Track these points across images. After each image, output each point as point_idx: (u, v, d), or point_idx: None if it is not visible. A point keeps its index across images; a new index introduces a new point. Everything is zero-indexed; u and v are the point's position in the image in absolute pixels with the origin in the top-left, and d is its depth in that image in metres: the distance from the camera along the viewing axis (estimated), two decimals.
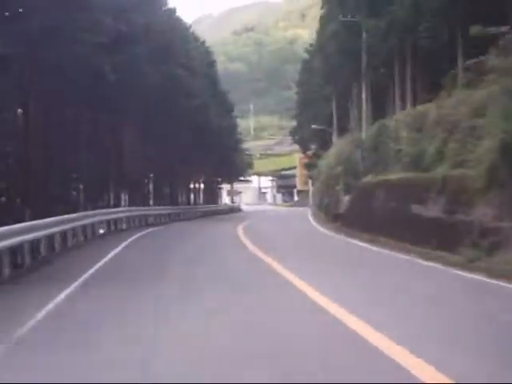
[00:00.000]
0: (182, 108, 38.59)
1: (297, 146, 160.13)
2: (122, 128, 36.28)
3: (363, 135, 46.28)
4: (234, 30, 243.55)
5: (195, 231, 29.14)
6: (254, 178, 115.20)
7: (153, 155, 41.87)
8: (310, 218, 45.72)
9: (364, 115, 46.31)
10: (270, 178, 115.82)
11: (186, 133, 47.37)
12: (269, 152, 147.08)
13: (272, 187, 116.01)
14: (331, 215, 38.92)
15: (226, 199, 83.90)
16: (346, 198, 37.75)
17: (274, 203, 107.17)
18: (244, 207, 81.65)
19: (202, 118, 44.29)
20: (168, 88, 35.14)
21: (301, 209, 71.06)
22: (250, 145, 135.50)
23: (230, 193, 76.88)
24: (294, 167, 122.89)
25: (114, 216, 27.39)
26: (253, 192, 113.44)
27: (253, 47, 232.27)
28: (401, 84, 43.07)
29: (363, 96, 45.34)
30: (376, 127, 30.28)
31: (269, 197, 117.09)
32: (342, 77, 65.10)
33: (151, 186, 46.91)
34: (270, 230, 30.42)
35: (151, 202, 45.57)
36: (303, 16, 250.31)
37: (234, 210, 68.48)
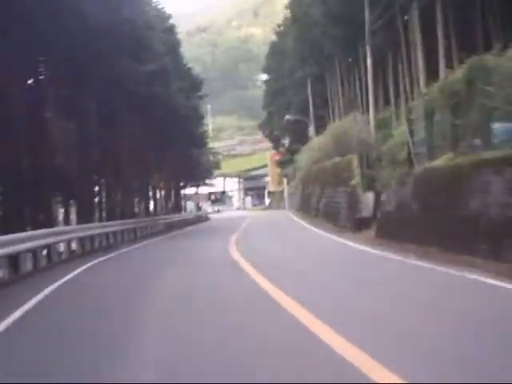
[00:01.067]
0: (131, 72, 25.73)
1: (260, 145, 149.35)
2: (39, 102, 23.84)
3: (371, 114, 34.99)
4: (186, 31, 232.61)
5: (164, 268, 14.45)
6: (218, 181, 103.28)
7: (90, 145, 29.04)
8: (306, 225, 34.00)
9: (370, 87, 35.07)
10: (236, 179, 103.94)
11: (137, 116, 35.12)
12: (232, 152, 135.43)
13: (239, 190, 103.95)
14: (349, 221, 27.13)
15: (190, 206, 71.95)
16: (371, 197, 26.08)
17: (243, 207, 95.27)
18: (211, 215, 69.69)
19: (161, 93, 31.86)
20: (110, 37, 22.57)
21: (279, 212, 59.32)
22: (211, 146, 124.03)
23: (196, 198, 64.94)
24: (262, 167, 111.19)
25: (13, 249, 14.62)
26: (216, 196, 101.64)
27: (207, 48, 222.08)
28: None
29: (368, 63, 34.02)
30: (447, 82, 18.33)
31: (235, 200, 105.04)
32: (324, 51, 54.15)
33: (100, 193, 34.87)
34: (276, 253, 18.18)
35: (103, 215, 33.19)
36: (255, 14, 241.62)
37: (201, 219, 56.37)
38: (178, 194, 57.19)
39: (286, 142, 75.95)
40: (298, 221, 39.57)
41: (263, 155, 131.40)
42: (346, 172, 31.20)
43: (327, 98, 63.67)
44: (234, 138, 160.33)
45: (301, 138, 71.14)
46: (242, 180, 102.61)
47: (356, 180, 28.46)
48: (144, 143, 39.58)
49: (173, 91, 34.85)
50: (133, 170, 38.61)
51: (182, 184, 59.79)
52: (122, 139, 35.64)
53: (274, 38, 77.21)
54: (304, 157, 59.44)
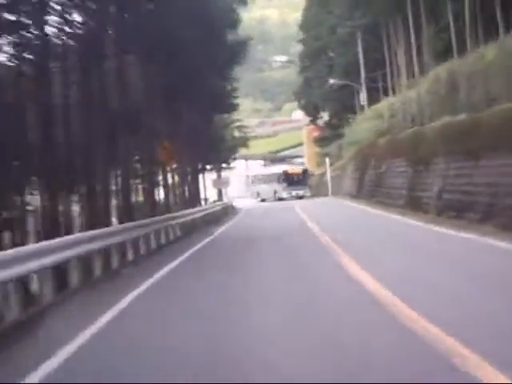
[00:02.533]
0: None
1: (282, 126, 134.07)
2: None
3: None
4: None
5: None
6: (240, 163, 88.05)
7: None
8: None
9: None
10: (261, 162, 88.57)
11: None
12: (251, 134, 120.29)
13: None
14: None
15: (209, 193, 57.19)
16: None
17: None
18: (236, 203, 54.76)
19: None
20: None
21: (331, 201, 44.44)
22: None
23: (217, 184, 50.09)
24: (289, 147, 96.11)
25: None
26: (240, 181, 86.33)
27: None
28: None
29: None
30: None
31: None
32: None
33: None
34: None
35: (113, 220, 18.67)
36: None
37: (228, 211, 41.51)
38: (195, 180, 42.48)
39: (326, 115, 60.80)
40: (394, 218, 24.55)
41: (288, 135, 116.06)
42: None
43: (383, 57, 48.31)
44: (252, 120, 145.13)
45: (346, 109, 55.89)
46: (268, 163, 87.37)
47: None
48: (147, 103, 24.66)
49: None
50: (132, 145, 23.90)
51: (201, 166, 44.89)
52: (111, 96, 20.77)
53: None
54: (360, 129, 44.35)
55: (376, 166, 36.90)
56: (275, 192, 56.09)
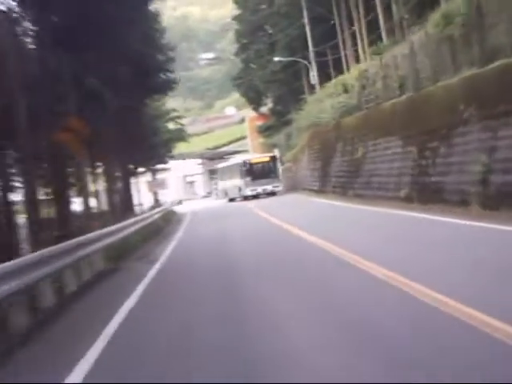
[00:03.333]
0: None
1: (216, 123, 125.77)
2: None
3: None
4: None
5: None
6: (176, 164, 79.51)
7: None
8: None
9: None
10: (198, 160, 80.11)
11: None
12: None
13: (204, 173, 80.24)
14: None
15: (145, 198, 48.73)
16: None
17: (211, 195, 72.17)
18: (177, 208, 46.57)
19: None
20: None
21: (293, 197, 36.61)
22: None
23: (153, 186, 41.62)
24: (228, 143, 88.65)
25: None
26: (176, 183, 77.75)
27: None
28: None
29: None
30: None
31: (198, 187, 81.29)
32: None
33: None
34: None
35: None
36: None
37: (169, 217, 33.24)
38: (126, 183, 34.05)
39: (269, 101, 53.25)
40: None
41: (224, 131, 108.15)
42: None
43: (332, 28, 41.19)
44: (183, 118, 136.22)
45: (292, 92, 48.50)
46: (206, 161, 79.05)
47: None
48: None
49: None
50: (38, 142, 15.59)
51: (132, 167, 36.45)
52: None
53: None
54: (315, 110, 36.98)
55: (347, 152, 29.59)
56: (239, 189, 43.63)
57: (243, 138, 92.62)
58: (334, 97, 33.77)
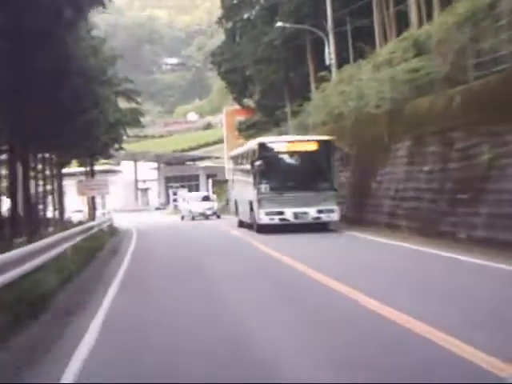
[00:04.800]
0: None
1: (176, 127, 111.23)
2: None
3: None
4: None
5: None
6: (126, 166, 64.69)
7: None
8: None
9: None
10: (154, 164, 65.06)
11: None
12: (140, 134, 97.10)
13: (159, 180, 64.84)
14: None
15: (71, 207, 33.65)
16: None
17: (164, 206, 57.00)
18: (117, 222, 31.44)
19: None
20: None
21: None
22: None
23: (85, 189, 27.09)
24: (194, 148, 74.65)
25: None
26: (125, 189, 62.84)
27: (106, 28, 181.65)
28: None
29: None
30: None
31: (152, 196, 65.81)
32: None
33: None
34: None
35: None
36: None
37: (104, 242, 18.78)
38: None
39: (257, 91, 39.37)
40: None
41: (186, 136, 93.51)
42: None
43: None
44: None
45: (293, 80, 34.83)
46: (164, 166, 64.10)
47: None
48: None
49: None
50: None
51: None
52: None
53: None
54: (336, 99, 23.40)
55: (431, 156, 15.87)
56: (250, 206, 20.32)
57: (209, 144, 78.57)
58: (381, 70, 20.24)
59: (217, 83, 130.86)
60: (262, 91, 38.15)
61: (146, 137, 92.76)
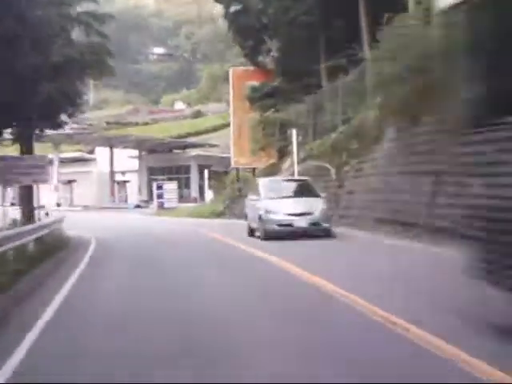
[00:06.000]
0: None
1: (162, 115, 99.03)
2: None
3: None
4: None
5: None
6: (102, 153, 52.68)
7: None
8: None
9: None
10: (135, 152, 52.71)
11: None
12: (122, 121, 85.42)
13: (140, 171, 52.56)
14: None
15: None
16: None
17: (146, 204, 44.65)
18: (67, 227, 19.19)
19: None
20: None
21: None
22: (91, 115, 73.18)
23: (7, 177, 15.64)
24: (184, 136, 62.98)
25: None
26: (99, 182, 50.52)
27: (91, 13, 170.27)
28: None
29: None
30: None
31: (132, 190, 53.06)
32: None
33: None
34: None
35: None
36: None
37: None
38: None
39: (275, 43, 27.72)
40: None
41: (175, 124, 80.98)
42: None
43: None
44: (123, 107, 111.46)
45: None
46: (145, 154, 51.87)
47: None
48: None
49: None
50: None
51: None
52: None
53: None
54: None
55: None
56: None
57: (200, 132, 66.85)
58: None
59: (207, 70, 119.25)
60: (284, 46, 26.55)
61: (127, 124, 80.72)
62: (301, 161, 22.80)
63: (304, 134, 23.82)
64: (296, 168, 22.15)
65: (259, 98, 27.53)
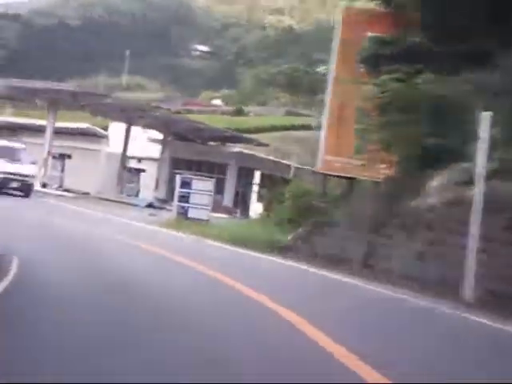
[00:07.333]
0: None
1: (200, 108, 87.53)
2: None
3: None
4: None
5: None
6: (117, 130, 40.77)
7: None
8: None
9: None
10: (161, 136, 40.57)
11: None
12: (153, 104, 74.61)
13: (161, 161, 40.51)
14: None
15: None
16: None
17: (163, 204, 32.29)
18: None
19: None
20: None
21: None
22: (121, 95, 62.68)
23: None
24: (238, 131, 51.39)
25: None
26: (107, 165, 38.57)
27: (138, 3, 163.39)
28: None
29: None
30: None
31: (147, 184, 40.82)
32: None
33: None
34: None
35: None
36: None
37: None
38: None
39: None
40: None
41: (211, 117, 68.57)
42: None
43: None
44: (158, 93, 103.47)
45: None
46: (172, 139, 39.86)
47: None
48: None
49: None
50: None
51: None
52: None
53: None
54: None
55: None
56: None
57: (240, 131, 54.85)
58: None
59: (251, 71, 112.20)
60: None
61: (157, 109, 69.07)
62: (488, 176, 10.65)
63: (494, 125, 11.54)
64: (482, 189, 10.10)
65: (389, 59, 15.20)
